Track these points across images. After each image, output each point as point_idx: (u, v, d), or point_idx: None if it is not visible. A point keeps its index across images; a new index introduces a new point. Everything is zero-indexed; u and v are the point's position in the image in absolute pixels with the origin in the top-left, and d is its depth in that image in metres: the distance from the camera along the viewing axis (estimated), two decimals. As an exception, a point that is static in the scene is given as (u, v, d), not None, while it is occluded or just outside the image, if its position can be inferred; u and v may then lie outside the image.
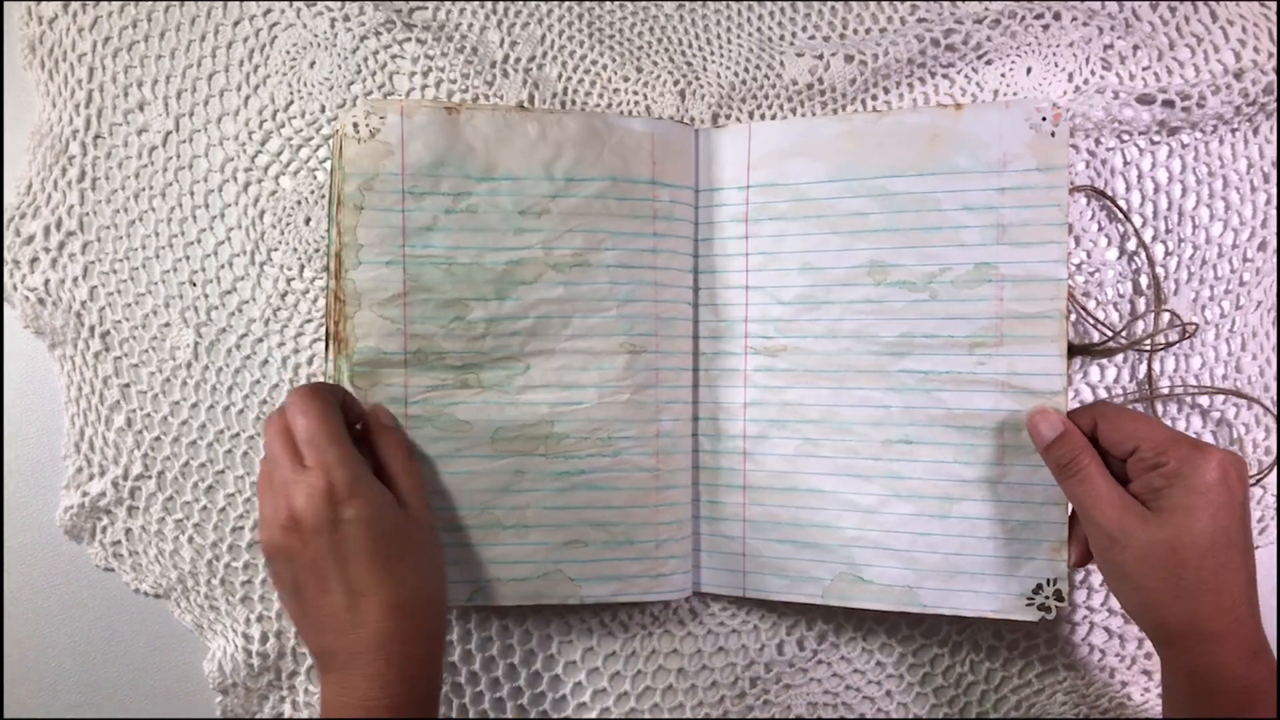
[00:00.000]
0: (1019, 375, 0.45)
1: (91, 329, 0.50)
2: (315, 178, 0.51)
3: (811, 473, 0.48)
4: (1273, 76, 0.49)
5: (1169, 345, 0.50)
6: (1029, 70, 0.52)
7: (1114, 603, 0.51)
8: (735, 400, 0.49)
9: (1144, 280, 0.51)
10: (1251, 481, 0.51)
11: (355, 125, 0.46)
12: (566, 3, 0.52)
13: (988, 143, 0.45)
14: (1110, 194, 0.51)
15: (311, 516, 0.38)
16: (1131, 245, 0.51)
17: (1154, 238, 0.51)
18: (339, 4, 0.51)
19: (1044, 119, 0.45)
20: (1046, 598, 0.45)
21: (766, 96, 0.52)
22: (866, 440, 0.47)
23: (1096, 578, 0.51)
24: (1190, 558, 0.37)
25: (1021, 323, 0.45)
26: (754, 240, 0.49)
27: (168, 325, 0.51)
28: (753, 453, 0.49)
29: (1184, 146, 0.51)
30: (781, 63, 0.52)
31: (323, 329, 0.50)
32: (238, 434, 0.51)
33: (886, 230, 0.47)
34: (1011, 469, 0.46)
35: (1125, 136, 0.51)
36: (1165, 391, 0.51)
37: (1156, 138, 0.51)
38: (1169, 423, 0.51)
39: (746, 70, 0.52)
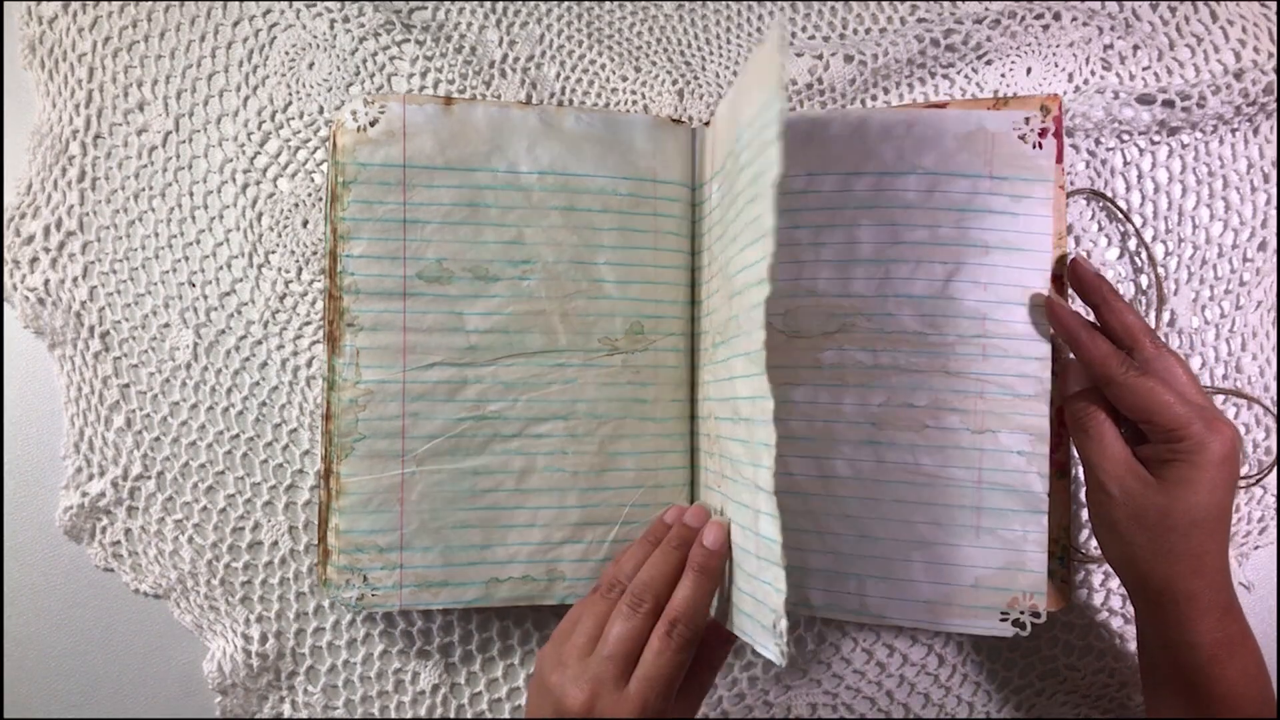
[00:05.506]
0: (1004, 377, 0.45)
1: (91, 329, 0.51)
2: (313, 180, 0.51)
3: (802, 474, 0.47)
4: (1273, 76, 0.49)
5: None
6: (1029, 70, 0.52)
7: (1114, 602, 0.51)
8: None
9: (1144, 280, 0.51)
10: (1251, 481, 0.51)
11: (354, 115, 0.46)
12: (565, 2, 0.52)
13: (976, 144, 0.45)
14: (1110, 194, 0.51)
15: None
16: (1132, 245, 0.51)
17: (1154, 238, 0.51)
18: (338, 5, 0.51)
19: (1028, 120, 0.45)
20: (1021, 613, 0.45)
21: (766, 96, 0.52)
22: (852, 442, 0.46)
23: (1097, 578, 0.51)
24: (1180, 524, 0.39)
25: (1002, 325, 0.45)
26: None
27: (167, 326, 0.51)
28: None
29: (1184, 146, 0.51)
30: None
31: (321, 331, 0.50)
32: (237, 435, 0.51)
33: (872, 225, 0.46)
34: (992, 473, 0.45)
35: (1125, 136, 0.51)
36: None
37: (1156, 138, 0.51)
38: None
39: (746, 70, 0.52)
